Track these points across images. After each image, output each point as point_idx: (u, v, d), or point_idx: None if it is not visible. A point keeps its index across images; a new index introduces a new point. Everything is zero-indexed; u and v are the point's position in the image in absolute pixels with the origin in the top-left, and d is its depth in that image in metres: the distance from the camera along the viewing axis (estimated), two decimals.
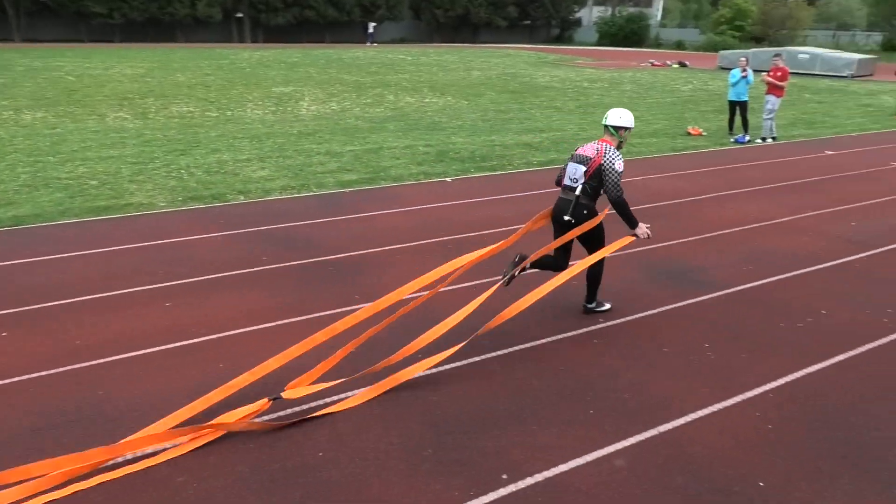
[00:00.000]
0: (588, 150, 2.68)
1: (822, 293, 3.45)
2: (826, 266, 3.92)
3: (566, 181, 2.76)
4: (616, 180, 2.43)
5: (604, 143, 2.71)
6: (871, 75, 29.53)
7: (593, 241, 2.60)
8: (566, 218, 2.65)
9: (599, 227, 2.67)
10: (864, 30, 60.73)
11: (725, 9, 44.48)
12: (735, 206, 6.12)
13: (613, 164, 2.44)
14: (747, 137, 11.80)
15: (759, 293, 3.49)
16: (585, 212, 2.54)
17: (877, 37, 54.21)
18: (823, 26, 61.93)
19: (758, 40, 46.26)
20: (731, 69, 16.22)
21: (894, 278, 3.69)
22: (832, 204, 6.67)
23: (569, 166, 2.78)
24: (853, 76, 28.32)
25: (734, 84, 12.24)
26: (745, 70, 12.09)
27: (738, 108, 12.14)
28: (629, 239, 2.69)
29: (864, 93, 21.21)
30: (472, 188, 4.44)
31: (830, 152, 10.56)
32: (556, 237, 2.61)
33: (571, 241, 2.61)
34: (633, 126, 2.68)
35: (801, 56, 30.12)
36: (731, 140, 11.80)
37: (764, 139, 11.63)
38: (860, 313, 3.24)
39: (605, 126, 2.71)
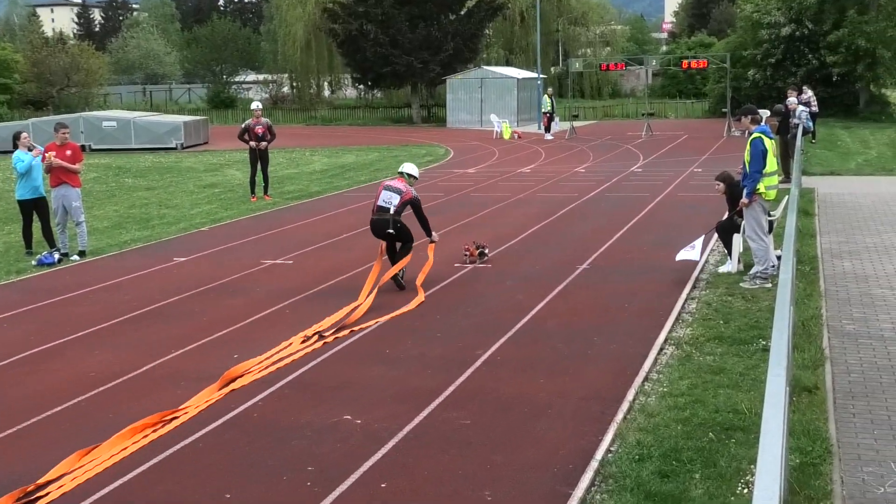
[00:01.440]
0: (397, 185, 10.94)
1: None
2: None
3: (381, 204, 10.62)
4: (422, 210, 11.45)
5: (403, 182, 10.90)
6: (206, 143, 40.76)
7: (408, 240, 11.23)
8: (389, 231, 11.01)
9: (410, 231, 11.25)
10: (182, 81, 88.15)
11: None
12: (66, 364, 9.08)
13: (417, 199, 11.18)
14: (56, 256, 14.26)
15: None
16: (399, 224, 10.82)
17: (199, 90, 77.13)
18: (127, 79, 79.81)
19: (37, 105, 54.36)
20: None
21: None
22: (198, 333, 9.82)
23: (383, 194, 10.67)
24: (184, 146, 38.02)
25: (23, 175, 14.43)
26: (35, 150, 14.40)
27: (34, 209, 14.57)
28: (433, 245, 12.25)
29: (205, 168, 29.89)
30: None
31: (181, 259, 14.41)
32: (387, 247, 11.16)
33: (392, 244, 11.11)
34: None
35: (106, 124, 38.08)
36: (34, 263, 14.16)
37: (64, 254, 14.39)
38: None
39: (401, 172, 11.42)
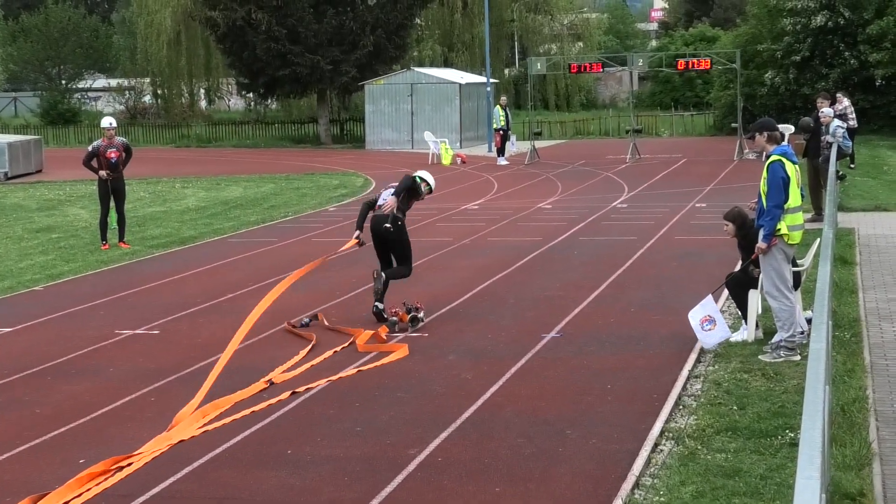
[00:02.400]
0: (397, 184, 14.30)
1: None
2: None
3: (381, 201, 13.99)
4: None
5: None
6: (39, 171, 40.99)
7: (400, 250, 14.11)
8: (386, 225, 13.90)
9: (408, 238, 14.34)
10: (6, 88, 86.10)
11: None
12: None
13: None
14: None
15: None
16: (400, 223, 13.88)
17: (29, 100, 74.30)
18: None
19: None
20: None
21: None
22: (27, 431, 9.49)
23: (384, 192, 14.28)
24: (8, 176, 38.04)
25: None
26: None
27: None
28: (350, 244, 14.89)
29: (38, 206, 29.87)
30: None
31: (4, 330, 14.40)
32: (379, 251, 13.99)
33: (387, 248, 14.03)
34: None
35: None
36: None
37: None
38: None
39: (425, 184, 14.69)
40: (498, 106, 41.18)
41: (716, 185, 30.14)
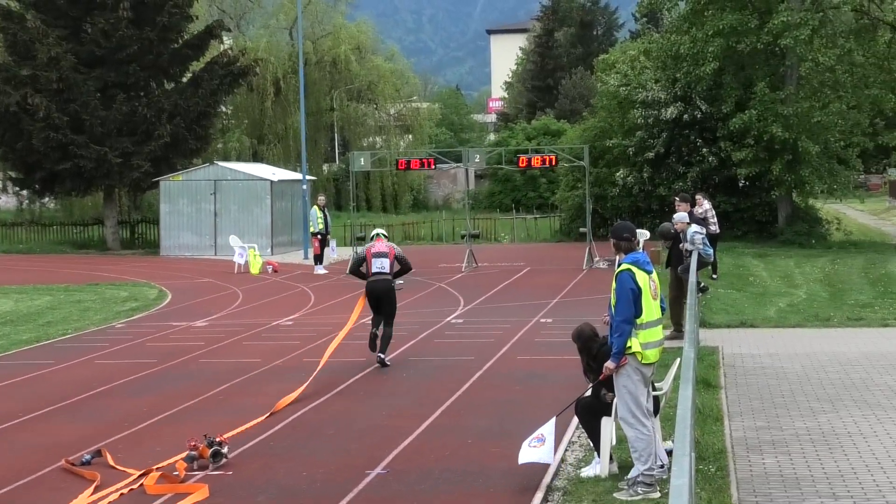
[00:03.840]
0: (381, 248, 21.34)
1: None
2: None
3: (375, 269, 21.10)
4: (403, 255, 21.84)
5: (384, 242, 21.58)
6: None
7: (393, 308, 21.47)
8: (388, 292, 21.38)
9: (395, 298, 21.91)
10: None
11: None
12: None
13: (399, 249, 21.94)
14: None
15: None
16: (393, 284, 21.41)
17: None
18: None
19: None
20: None
21: None
22: None
23: (374, 261, 21.15)
24: None
25: None
26: None
27: None
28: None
29: None
30: None
31: None
32: (374, 308, 21.22)
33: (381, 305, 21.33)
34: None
35: None
36: None
37: None
38: None
39: (377, 233, 21.94)
40: (315, 207, 41.16)
41: (563, 297, 30.61)
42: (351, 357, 21.22)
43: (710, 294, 27.88)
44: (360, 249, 23.35)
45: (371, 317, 21.29)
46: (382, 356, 20.62)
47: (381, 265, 20.97)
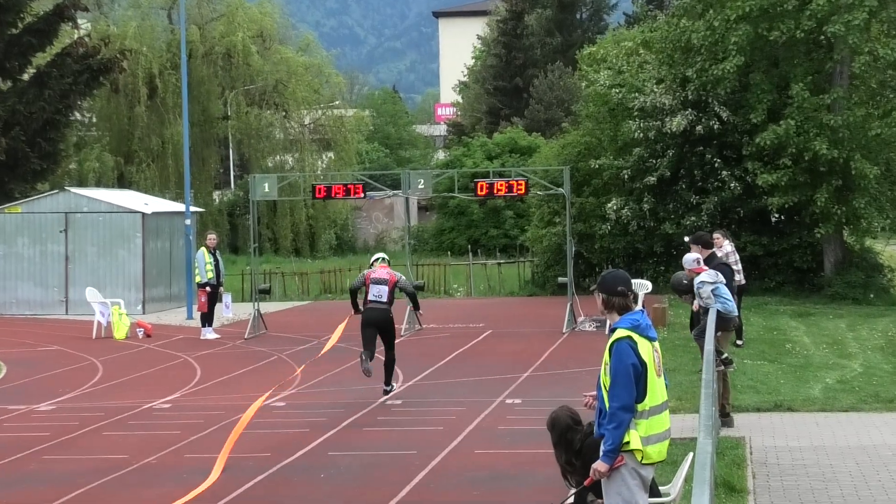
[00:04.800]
0: (382, 274, 27.61)
1: None
2: None
3: (372, 297, 27.25)
4: (407, 281, 29.93)
5: (386, 269, 27.93)
6: None
7: (392, 335, 28.32)
8: (384, 321, 27.68)
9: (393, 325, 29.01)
10: None
11: None
12: None
13: (402, 276, 28.67)
14: None
15: None
16: (390, 314, 27.66)
17: None
18: None
19: None
20: None
21: None
22: None
23: (372, 288, 27.34)
24: None
25: None
26: None
27: None
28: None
29: None
30: None
31: None
32: (369, 336, 27.35)
33: (377, 335, 27.78)
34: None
35: None
36: None
37: None
38: None
39: (379, 258, 28.67)
40: (203, 249, 40.87)
41: (536, 370, 30.63)
42: (253, 451, 21.11)
43: (734, 367, 27.94)
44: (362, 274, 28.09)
45: (361, 349, 26.31)
46: (387, 388, 26.49)
47: (378, 293, 26.30)
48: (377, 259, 27.35)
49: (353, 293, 27.85)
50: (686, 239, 25.49)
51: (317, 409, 25.47)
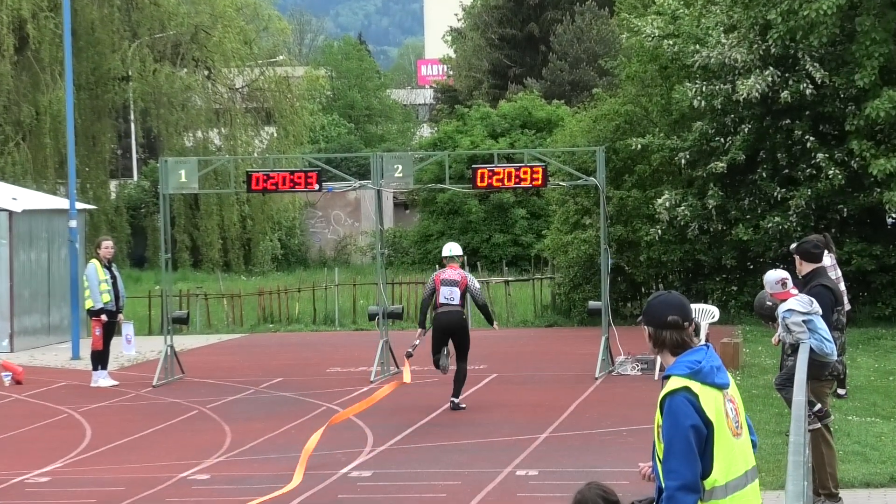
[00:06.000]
0: (452, 275, 36.58)
1: None
2: None
3: (443, 300, 36.14)
4: (479, 289, 38.88)
5: (457, 269, 37.08)
6: None
7: (467, 342, 37.44)
8: (459, 325, 37.59)
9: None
10: None
11: None
12: None
13: (474, 281, 38.10)
14: None
15: None
16: (464, 316, 38.26)
17: None
18: None
19: None
20: None
21: None
22: None
23: (443, 289, 36.21)
24: None
25: None
26: None
27: None
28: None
29: None
30: None
31: None
32: (440, 344, 36.99)
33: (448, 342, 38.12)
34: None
35: None
36: None
37: None
38: None
39: (452, 256, 37.50)
40: (96, 262, 40.89)
41: (558, 430, 30.69)
42: None
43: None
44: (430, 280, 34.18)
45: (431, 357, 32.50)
46: (456, 400, 32.26)
47: (449, 295, 32.48)
48: (450, 255, 32.36)
49: (425, 307, 32.96)
50: (791, 247, 25.34)
51: (245, 484, 25.43)
